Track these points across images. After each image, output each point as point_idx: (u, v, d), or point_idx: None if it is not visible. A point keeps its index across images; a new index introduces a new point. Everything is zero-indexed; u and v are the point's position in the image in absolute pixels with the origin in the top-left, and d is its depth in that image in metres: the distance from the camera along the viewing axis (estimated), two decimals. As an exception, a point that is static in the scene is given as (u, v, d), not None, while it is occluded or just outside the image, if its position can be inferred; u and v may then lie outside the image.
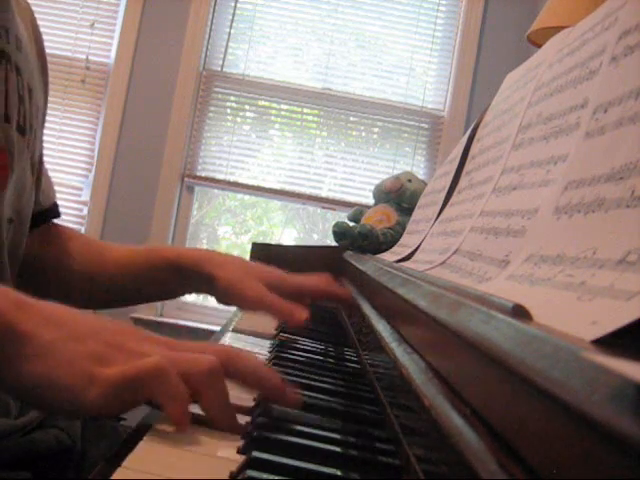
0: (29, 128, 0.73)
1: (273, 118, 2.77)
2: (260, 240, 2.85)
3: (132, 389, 0.43)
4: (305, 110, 2.74)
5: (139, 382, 0.43)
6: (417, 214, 1.13)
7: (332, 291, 0.88)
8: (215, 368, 0.46)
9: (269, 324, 0.96)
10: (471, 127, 0.94)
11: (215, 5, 2.70)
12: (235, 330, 0.90)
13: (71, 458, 0.78)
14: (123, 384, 0.43)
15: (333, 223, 1.36)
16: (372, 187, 1.46)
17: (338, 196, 2.69)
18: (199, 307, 2.73)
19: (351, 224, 1.35)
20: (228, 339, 0.85)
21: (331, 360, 0.76)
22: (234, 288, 0.77)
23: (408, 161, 2.69)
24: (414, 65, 2.72)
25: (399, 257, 0.95)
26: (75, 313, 0.48)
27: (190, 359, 0.47)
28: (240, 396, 0.52)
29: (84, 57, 2.67)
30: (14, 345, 0.43)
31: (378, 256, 1.13)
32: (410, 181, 1.35)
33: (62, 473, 0.76)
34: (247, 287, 0.77)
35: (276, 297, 0.76)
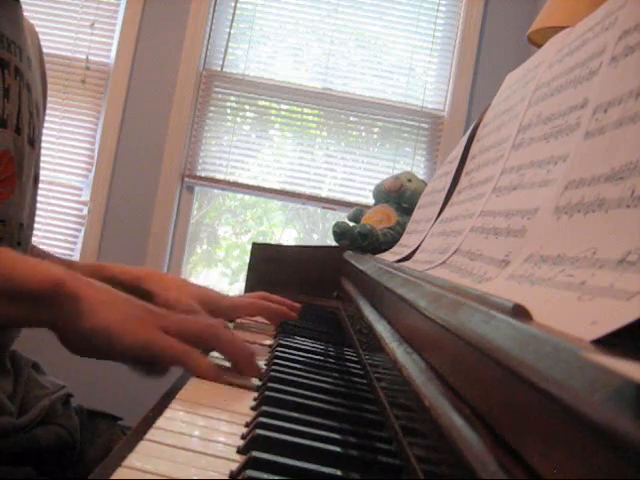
0: (37, 142, 0.79)
1: (273, 118, 2.77)
2: (260, 240, 2.85)
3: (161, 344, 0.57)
4: (305, 110, 2.74)
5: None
6: (417, 214, 1.13)
7: (266, 307, 0.93)
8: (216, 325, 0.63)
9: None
10: (471, 127, 0.94)
11: (215, 5, 2.69)
12: (237, 327, 0.90)
13: (71, 454, 0.80)
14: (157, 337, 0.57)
15: (333, 223, 1.36)
16: (372, 187, 1.46)
17: (338, 196, 2.69)
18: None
19: (351, 224, 1.35)
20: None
21: (331, 360, 0.76)
22: (169, 306, 0.79)
23: (408, 161, 2.69)
24: (414, 65, 2.72)
25: (399, 257, 0.95)
26: (109, 287, 0.62)
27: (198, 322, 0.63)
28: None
29: (84, 57, 2.67)
30: (73, 304, 0.56)
31: (378, 256, 1.13)
32: (410, 181, 1.35)
33: (62, 468, 0.78)
34: (181, 305, 0.81)
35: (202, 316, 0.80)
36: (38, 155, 0.83)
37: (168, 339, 0.58)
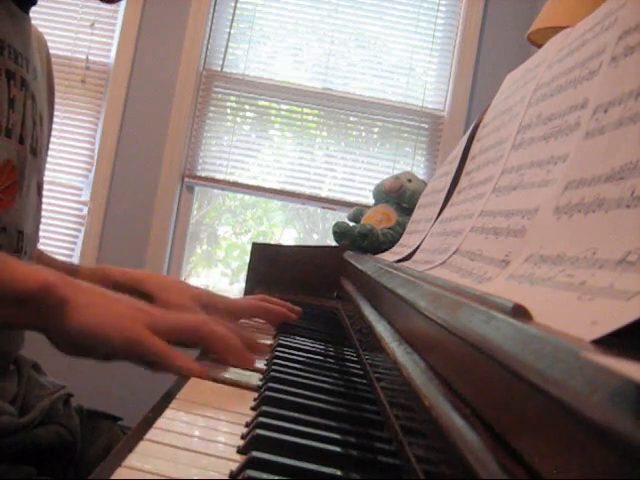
0: (39, 151, 0.82)
1: (273, 118, 2.77)
2: (260, 240, 2.85)
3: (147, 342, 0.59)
4: (305, 110, 2.74)
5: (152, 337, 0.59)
6: (417, 214, 1.13)
7: (265, 309, 0.94)
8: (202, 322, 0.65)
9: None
10: (471, 127, 0.94)
11: (215, 5, 2.69)
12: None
13: (72, 453, 0.81)
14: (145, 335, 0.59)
15: (333, 223, 1.36)
16: (372, 187, 1.46)
17: (338, 196, 2.68)
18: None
19: (351, 224, 1.35)
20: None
21: (331, 360, 0.76)
22: (169, 308, 0.80)
23: (408, 161, 2.69)
24: (414, 65, 2.72)
25: (399, 257, 0.95)
26: (99, 288, 0.64)
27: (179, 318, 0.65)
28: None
29: (84, 57, 2.67)
30: (60, 306, 0.58)
31: (378, 256, 1.13)
32: (410, 181, 1.35)
33: (63, 467, 0.80)
34: (180, 307, 0.83)
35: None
36: (41, 164, 0.85)
37: (153, 338, 0.59)
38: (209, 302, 0.88)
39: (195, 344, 0.65)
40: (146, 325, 0.60)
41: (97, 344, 0.59)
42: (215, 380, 0.60)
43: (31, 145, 0.80)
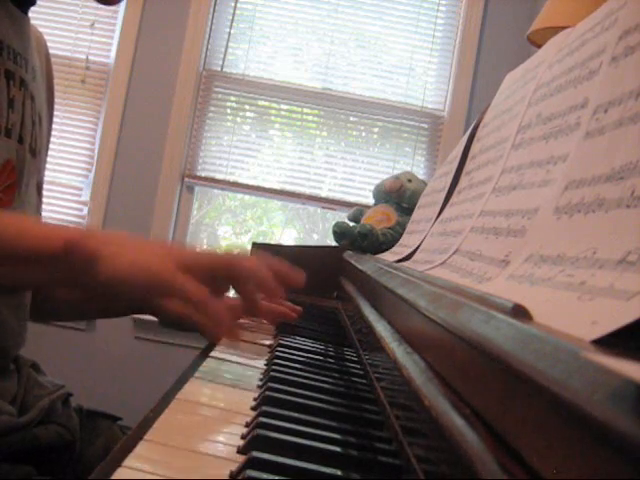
0: (38, 152, 0.82)
1: (273, 118, 2.77)
2: (260, 240, 2.85)
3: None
4: (305, 110, 2.74)
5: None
6: (417, 214, 1.13)
7: (264, 307, 0.85)
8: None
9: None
10: (471, 127, 0.94)
11: (215, 5, 2.69)
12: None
13: (71, 452, 0.82)
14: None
15: (333, 223, 1.36)
16: (372, 187, 1.45)
17: (338, 196, 2.68)
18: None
19: (351, 224, 1.35)
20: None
21: (331, 360, 0.76)
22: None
23: (408, 161, 2.69)
24: (414, 65, 2.72)
25: (399, 257, 0.95)
26: (126, 235, 0.64)
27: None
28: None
29: (84, 57, 2.67)
30: (89, 259, 0.58)
31: (378, 256, 1.13)
32: (410, 181, 1.35)
33: (62, 466, 0.80)
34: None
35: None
36: (40, 164, 0.86)
37: (184, 278, 0.60)
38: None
39: (227, 282, 0.67)
40: (177, 265, 0.60)
41: (129, 290, 0.60)
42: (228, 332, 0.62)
43: (30, 145, 0.80)
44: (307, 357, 0.74)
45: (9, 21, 0.76)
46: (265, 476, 0.38)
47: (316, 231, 2.91)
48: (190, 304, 0.62)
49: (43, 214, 0.92)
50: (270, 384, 0.58)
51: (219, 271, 0.65)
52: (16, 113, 0.76)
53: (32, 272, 0.60)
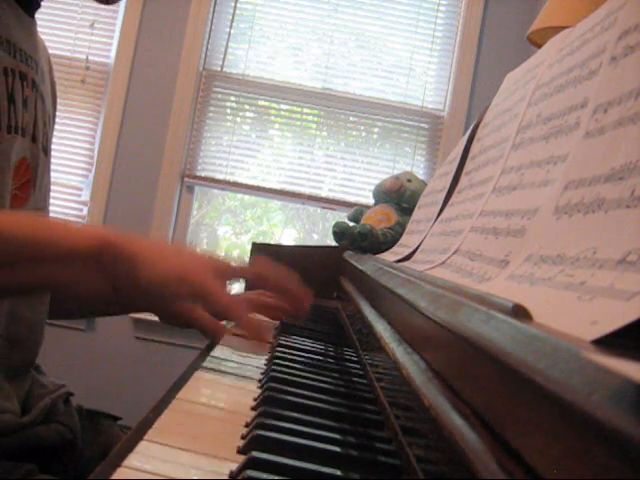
0: (49, 151, 0.85)
1: (273, 118, 2.77)
2: (260, 240, 2.85)
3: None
4: (305, 110, 2.74)
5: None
6: (417, 214, 1.13)
7: (263, 304, 0.92)
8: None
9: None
10: (471, 127, 0.94)
11: (215, 5, 2.69)
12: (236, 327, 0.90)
13: (72, 451, 0.83)
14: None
15: (333, 223, 1.36)
16: (372, 187, 1.45)
17: (338, 196, 2.68)
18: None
19: (351, 224, 1.35)
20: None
21: (331, 360, 0.76)
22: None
23: (408, 161, 2.69)
24: (414, 65, 2.72)
25: (399, 257, 0.95)
26: (159, 242, 0.65)
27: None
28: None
29: (84, 57, 2.67)
30: (126, 260, 0.59)
31: (378, 256, 1.12)
32: (410, 181, 1.35)
33: (64, 465, 0.81)
34: None
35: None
36: (50, 163, 0.88)
37: (219, 287, 0.61)
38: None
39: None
40: (212, 273, 0.62)
41: (166, 296, 0.61)
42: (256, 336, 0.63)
43: (42, 144, 0.82)
44: (307, 357, 0.74)
45: (19, 25, 0.77)
46: (265, 476, 0.38)
47: (316, 231, 2.91)
48: (217, 309, 0.64)
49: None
50: (270, 384, 0.58)
51: (250, 280, 0.68)
52: (29, 113, 0.77)
53: (64, 272, 0.60)
